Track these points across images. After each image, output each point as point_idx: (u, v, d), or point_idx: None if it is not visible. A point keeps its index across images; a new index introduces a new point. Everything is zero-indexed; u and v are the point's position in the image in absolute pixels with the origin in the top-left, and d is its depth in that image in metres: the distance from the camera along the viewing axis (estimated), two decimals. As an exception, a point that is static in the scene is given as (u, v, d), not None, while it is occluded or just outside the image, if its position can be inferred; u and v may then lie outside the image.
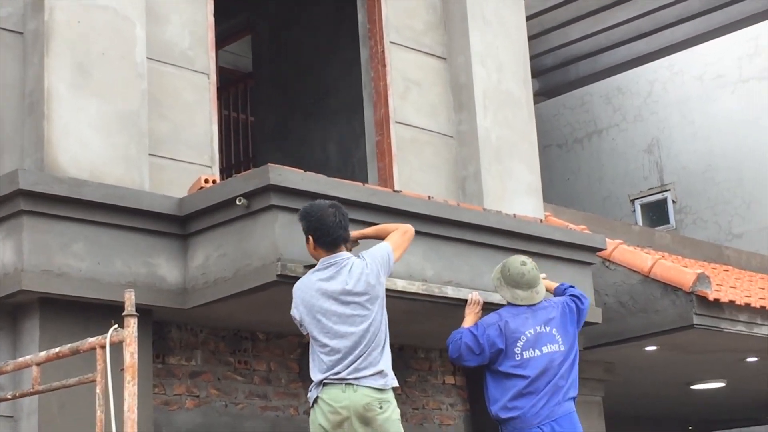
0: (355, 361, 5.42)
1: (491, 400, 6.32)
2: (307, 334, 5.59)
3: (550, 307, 6.50)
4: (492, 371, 6.32)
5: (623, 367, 10.14)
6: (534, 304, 6.43)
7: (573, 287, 6.75)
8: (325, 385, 5.45)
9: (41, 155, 6.36)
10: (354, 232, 5.88)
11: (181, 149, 7.15)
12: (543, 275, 6.73)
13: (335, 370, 5.43)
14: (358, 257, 5.64)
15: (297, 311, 5.61)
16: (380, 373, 5.47)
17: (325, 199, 5.81)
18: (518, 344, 6.26)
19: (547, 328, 6.38)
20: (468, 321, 6.54)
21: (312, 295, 5.54)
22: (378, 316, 5.55)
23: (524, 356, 6.26)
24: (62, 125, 6.44)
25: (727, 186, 16.69)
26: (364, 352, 5.44)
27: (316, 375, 5.52)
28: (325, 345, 5.48)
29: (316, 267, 5.64)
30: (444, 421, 8.49)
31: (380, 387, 5.45)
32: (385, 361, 5.53)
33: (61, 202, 6.11)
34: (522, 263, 6.49)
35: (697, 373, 11.39)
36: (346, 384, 5.41)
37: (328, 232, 5.63)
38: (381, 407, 5.42)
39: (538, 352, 6.28)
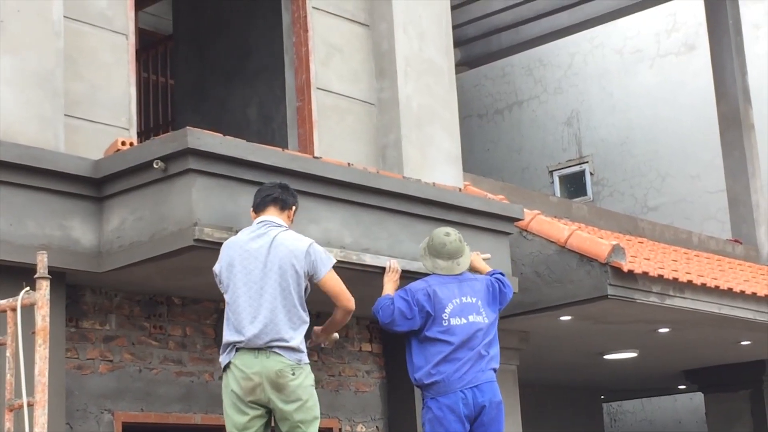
0: (266, 329, 5.40)
1: (415, 366, 6.37)
2: (225, 292, 5.58)
3: (476, 281, 6.61)
4: (418, 337, 6.38)
5: (538, 336, 10.26)
6: (456, 275, 6.48)
7: (502, 274, 6.84)
8: (237, 350, 5.44)
9: (-48, 113, 6.21)
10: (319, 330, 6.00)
11: (98, 111, 7.04)
12: (486, 256, 6.97)
13: (246, 336, 5.40)
14: (309, 241, 5.63)
15: (218, 266, 5.62)
16: (293, 348, 5.46)
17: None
18: (446, 311, 6.35)
19: (473, 299, 6.49)
20: (388, 289, 6.59)
21: (236, 250, 5.56)
22: (293, 287, 5.50)
23: (451, 323, 6.34)
24: (-25, 83, 6.29)
25: (643, 159, 16.94)
26: (275, 321, 5.41)
27: (226, 337, 5.50)
28: (235, 306, 5.45)
29: (249, 227, 5.66)
30: (360, 388, 8.51)
31: (293, 360, 5.44)
32: (299, 338, 5.51)
33: (-28, 162, 5.98)
34: (446, 234, 6.57)
35: (610, 343, 11.56)
36: (258, 350, 5.40)
37: (260, 192, 5.74)
38: (293, 373, 5.42)
39: (464, 320, 6.38)
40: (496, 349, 6.53)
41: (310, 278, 5.62)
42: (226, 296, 5.57)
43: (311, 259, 5.58)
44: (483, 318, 6.49)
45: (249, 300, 5.44)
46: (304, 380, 5.47)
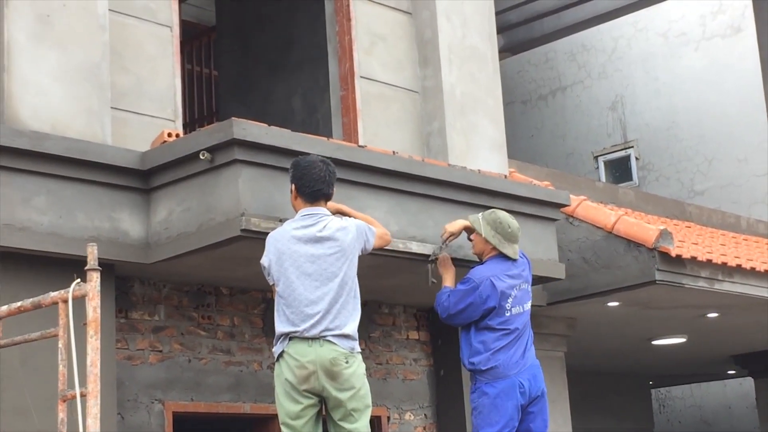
0: (321, 318, 5.41)
1: (473, 351, 6.37)
2: (273, 285, 5.59)
3: (523, 264, 6.61)
4: (477, 326, 6.39)
5: (585, 322, 10.21)
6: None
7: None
8: (290, 339, 5.45)
9: (1, 108, 6.26)
10: (337, 205, 5.90)
11: (144, 103, 7.08)
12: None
13: (301, 326, 5.42)
14: (352, 223, 5.67)
15: (266, 258, 5.60)
16: (347, 336, 5.47)
17: (316, 155, 5.82)
18: (508, 301, 6.37)
19: (525, 285, 6.57)
20: (449, 280, 6.58)
21: (284, 243, 5.54)
22: (347, 276, 5.53)
23: (513, 312, 6.39)
24: (22, 77, 6.35)
25: (689, 143, 16.78)
26: (330, 311, 5.43)
27: (280, 328, 5.51)
28: (288, 299, 5.47)
29: (294, 218, 5.65)
30: (408, 376, 8.52)
31: (346, 348, 5.45)
32: (353, 325, 5.52)
33: (22, 156, 6.02)
34: (512, 217, 6.64)
35: (658, 328, 11.49)
36: (312, 339, 5.41)
37: (311, 183, 5.64)
38: (347, 362, 5.43)
39: (521, 309, 6.48)
40: (532, 332, 6.62)
41: (362, 251, 5.71)
42: (277, 288, 5.57)
43: (361, 238, 5.65)
44: (530, 302, 6.57)
45: (303, 291, 5.44)
46: (358, 368, 5.49)
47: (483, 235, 6.54)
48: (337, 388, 5.42)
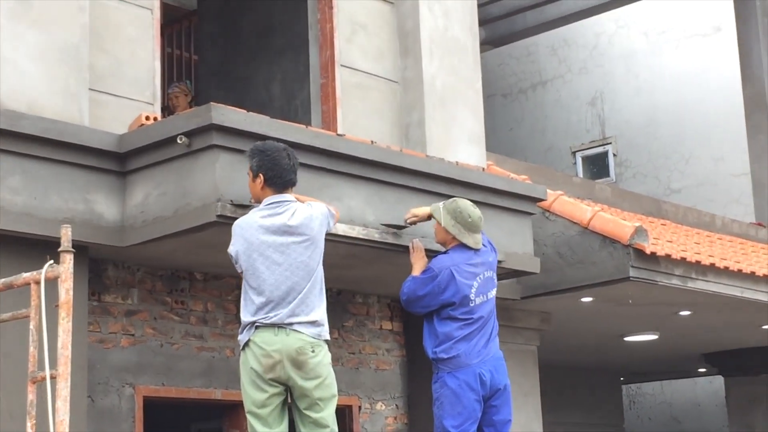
0: (287, 307, 5.39)
1: (436, 341, 6.34)
2: (242, 272, 5.56)
3: (488, 251, 6.56)
4: (440, 315, 6.35)
5: (559, 317, 10.24)
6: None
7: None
8: (257, 327, 5.43)
9: (-22, 86, 6.22)
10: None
11: (122, 85, 7.04)
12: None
13: (268, 314, 5.40)
14: (305, 204, 5.62)
15: (233, 247, 5.57)
16: (314, 322, 5.45)
17: (274, 141, 5.77)
18: (471, 290, 6.32)
19: (490, 273, 6.48)
20: (417, 269, 6.53)
21: (251, 232, 5.50)
22: (315, 263, 5.51)
23: (476, 302, 6.33)
24: (0, 56, 6.29)
25: (667, 141, 16.84)
26: (297, 298, 5.40)
27: (246, 317, 5.48)
28: (257, 288, 5.44)
29: (260, 207, 5.60)
30: (380, 366, 8.52)
31: (313, 336, 5.43)
32: (320, 312, 5.50)
33: (-3, 135, 5.99)
34: (474, 207, 6.53)
35: (631, 325, 11.53)
36: (278, 327, 5.39)
37: (281, 173, 5.60)
38: (313, 351, 5.41)
39: (484, 297, 6.39)
40: (497, 322, 6.57)
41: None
42: (244, 276, 5.54)
43: (325, 223, 5.62)
44: (495, 291, 6.53)
45: (269, 280, 5.41)
46: (324, 358, 5.47)
47: (443, 225, 6.49)
48: (303, 377, 5.40)
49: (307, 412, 5.46)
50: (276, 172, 5.59)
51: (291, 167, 5.63)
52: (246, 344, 5.47)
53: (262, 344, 5.40)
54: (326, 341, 5.52)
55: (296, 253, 5.45)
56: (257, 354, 5.41)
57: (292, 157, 5.65)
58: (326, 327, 5.53)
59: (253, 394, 5.46)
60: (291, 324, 5.39)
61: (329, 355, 5.54)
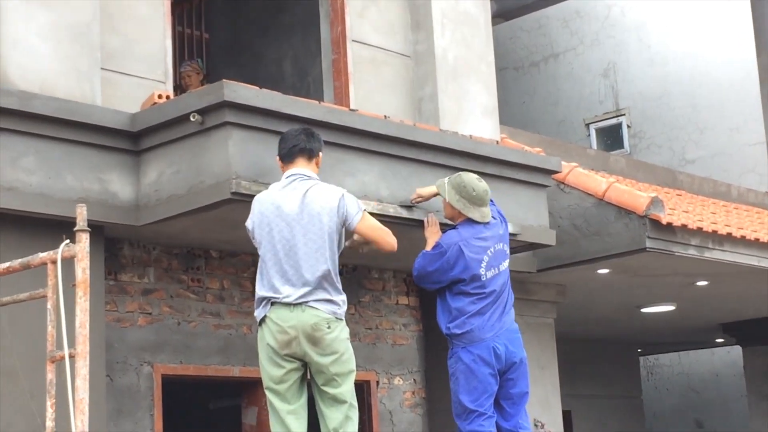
0: (303, 286, 5.38)
1: (449, 317, 6.31)
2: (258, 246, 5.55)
3: (498, 224, 6.50)
4: (452, 291, 6.32)
5: (575, 289, 10.22)
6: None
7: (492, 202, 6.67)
8: (272, 304, 5.42)
9: (-10, 67, 6.22)
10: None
11: (134, 64, 7.03)
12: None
13: (283, 293, 5.39)
14: (339, 193, 5.55)
15: (251, 221, 5.57)
16: (330, 300, 5.43)
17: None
18: (482, 264, 6.27)
19: (501, 245, 6.42)
20: (430, 244, 6.49)
21: (267, 207, 5.50)
22: (331, 241, 5.47)
23: (487, 276, 6.28)
24: (11, 36, 6.29)
25: (681, 112, 16.75)
26: (311, 279, 5.38)
27: (261, 292, 5.48)
28: (274, 266, 5.43)
29: (279, 181, 5.61)
30: (397, 341, 8.52)
31: (329, 313, 5.42)
32: (335, 291, 5.48)
33: (10, 115, 5.99)
34: (479, 180, 6.45)
35: (648, 296, 11.50)
36: (294, 305, 5.38)
37: (285, 144, 5.64)
38: (329, 327, 5.39)
39: (496, 270, 6.34)
40: (511, 294, 6.52)
41: (346, 228, 5.59)
42: (259, 251, 5.54)
43: (343, 211, 5.52)
44: (508, 262, 6.47)
45: (284, 256, 5.41)
46: (340, 333, 5.45)
47: (448, 200, 6.45)
48: (320, 353, 5.39)
49: (325, 388, 5.46)
50: (282, 145, 5.67)
51: (297, 135, 5.63)
52: (262, 320, 5.47)
53: (277, 320, 5.39)
54: (342, 318, 5.51)
55: (307, 229, 5.42)
56: (273, 330, 5.41)
57: (303, 130, 5.67)
58: (341, 306, 5.49)
59: (270, 370, 5.46)
60: (307, 301, 5.38)
61: (347, 330, 5.52)
